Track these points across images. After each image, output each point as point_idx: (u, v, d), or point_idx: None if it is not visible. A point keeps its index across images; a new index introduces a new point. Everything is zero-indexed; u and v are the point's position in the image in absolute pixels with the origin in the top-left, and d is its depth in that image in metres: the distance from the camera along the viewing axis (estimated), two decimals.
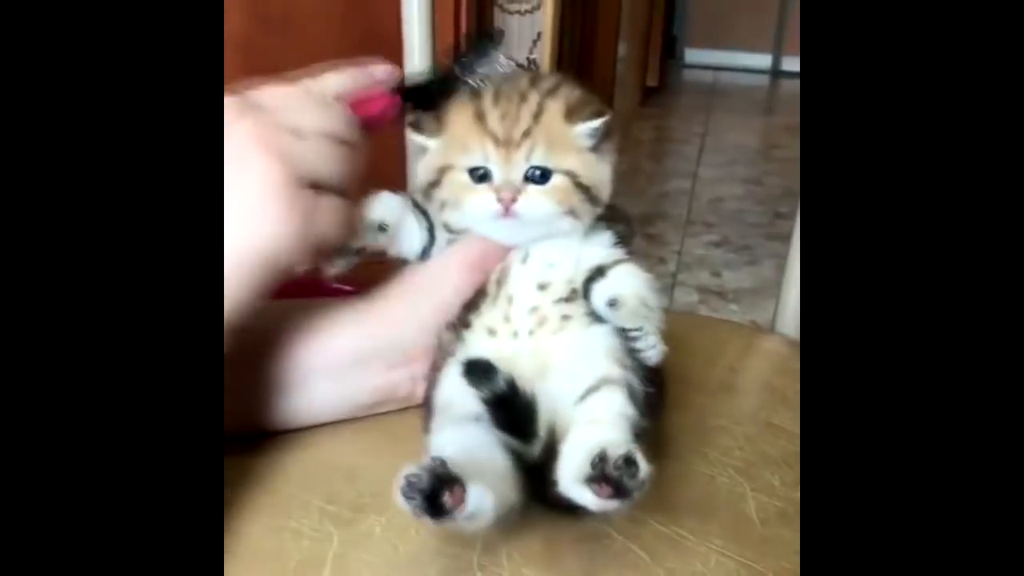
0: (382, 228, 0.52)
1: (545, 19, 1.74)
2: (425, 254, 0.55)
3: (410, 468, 0.42)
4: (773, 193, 2.71)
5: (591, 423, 0.46)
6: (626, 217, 0.56)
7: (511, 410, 0.47)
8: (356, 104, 0.51)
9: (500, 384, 0.46)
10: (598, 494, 0.42)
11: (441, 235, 0.54)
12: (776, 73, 4.17)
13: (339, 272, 0.51)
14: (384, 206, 0.53)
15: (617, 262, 0.51)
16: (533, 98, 0.51)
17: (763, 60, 4.18)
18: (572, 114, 0.51)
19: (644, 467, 0.42)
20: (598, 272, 0.51)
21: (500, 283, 0.53)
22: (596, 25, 2.66)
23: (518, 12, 1.72)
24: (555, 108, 0.51)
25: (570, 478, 0.44)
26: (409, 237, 0.54)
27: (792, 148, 3.09)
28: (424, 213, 0.54)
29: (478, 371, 0.47)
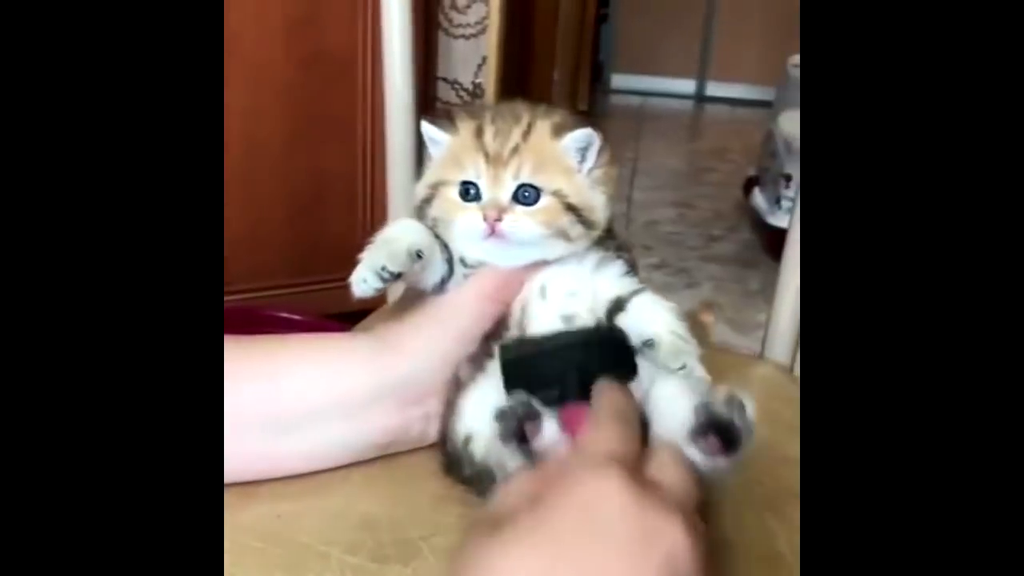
0: (419, 255, 0.50)
1: (490, 43, 1.72)
2: (442, 286, 0.52)
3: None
4: (704, 216, 2.75)
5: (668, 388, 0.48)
6: (626, 246, 0.56)
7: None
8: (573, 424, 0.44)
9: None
10: (706, 450, 0.43)
11: (459, 268, 0.52)
12: (700, 98, 4.26)
13: (367, 295, 0.48)
14: (416, 233, 0.51)
15: (634, 293, 0.51)
16: (525, 118, 0.51)
17: (687, 85, 4.27)
18: (558, 130, 0.51)
19: (750, 404, 0.43)
20: (617, 305, 0.50)
21: (524, 312, 0.51)
22: (533, 50, 2.67)
23: (463, 36, 1.71)
24: (543, 127, 0.51)
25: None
26: (432, 268, 0.51)
27: (720, 171, 3.15)
28: (445, 245, 0.52)
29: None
